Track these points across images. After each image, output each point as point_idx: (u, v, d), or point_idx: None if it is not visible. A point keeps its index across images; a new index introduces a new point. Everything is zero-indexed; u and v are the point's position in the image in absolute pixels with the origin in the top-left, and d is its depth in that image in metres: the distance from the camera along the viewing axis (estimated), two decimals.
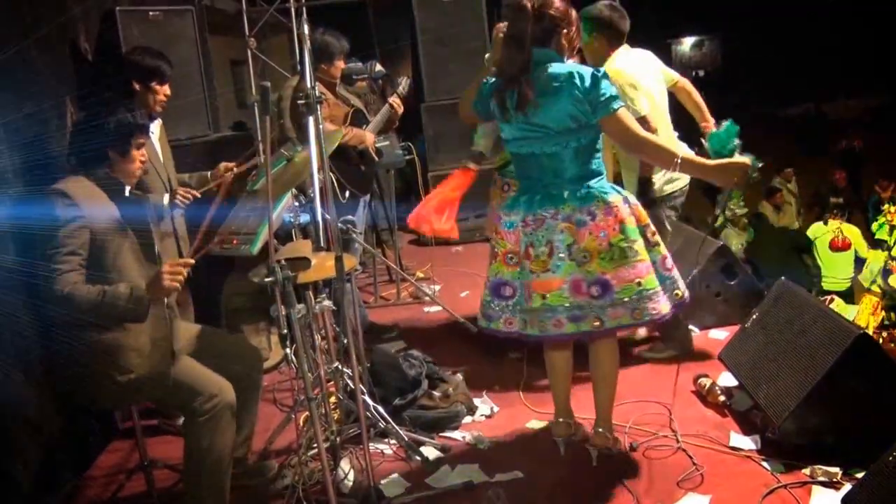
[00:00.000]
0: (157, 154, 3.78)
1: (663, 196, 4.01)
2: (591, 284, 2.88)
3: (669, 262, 3.03)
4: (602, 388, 3.23)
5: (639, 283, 2.89)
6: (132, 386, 2.81)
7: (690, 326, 4.23)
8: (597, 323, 2.89)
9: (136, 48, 3.88)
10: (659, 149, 2.93)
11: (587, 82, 2.82)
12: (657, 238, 3.02)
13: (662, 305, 2.94)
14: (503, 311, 3.04)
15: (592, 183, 2.94)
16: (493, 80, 3.02)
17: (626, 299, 2.88)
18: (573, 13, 2.96)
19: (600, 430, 3.26)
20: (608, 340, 3.15)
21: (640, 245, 2.92)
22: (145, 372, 2.80)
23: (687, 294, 3.06)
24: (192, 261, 2.80)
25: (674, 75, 4.15)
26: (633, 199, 3.01)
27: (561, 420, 3.37)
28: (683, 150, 2.96)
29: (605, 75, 2.86)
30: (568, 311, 2.89)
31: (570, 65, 2.91)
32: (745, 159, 2.84)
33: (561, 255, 2.89)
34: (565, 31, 2.93)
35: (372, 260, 5.83)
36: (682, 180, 4.02)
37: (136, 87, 3.67)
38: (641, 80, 3.78)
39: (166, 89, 3.75)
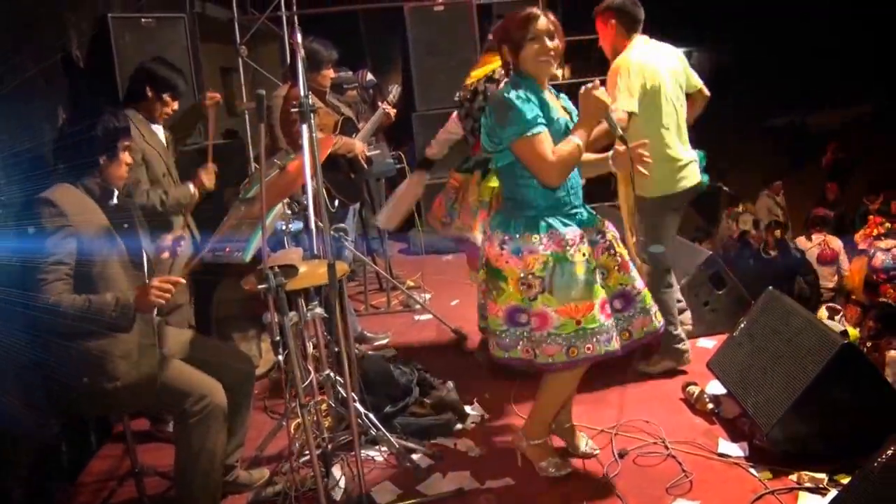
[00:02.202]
0: (171, 157, 3.91)
1: (666, 196, 3.90)
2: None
3: (525, 318, 2.94)
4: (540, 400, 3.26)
5: (491, 319, 3.04)
6: (120, 393, 2.80)
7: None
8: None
9: (157, 58, 3.98)
10: (563, 161, 2.82)
11: (488, 108, 2.98)
12: (535, 293, 2.90)
13: (497, 351, 3.04)
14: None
15: (518, 210, 2.97)
16: None
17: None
18: (512, 18, 2.93)
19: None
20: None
21: (505, 287, 2.93)
22: (133, 379, 2.80)
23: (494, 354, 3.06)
24: (182, 280, 2.82)
25: (698, 82, 4.07)
26: (530, 247, 2.90)
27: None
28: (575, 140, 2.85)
29: (501, 103, 2.86)
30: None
31: (502, 88, 2.95)
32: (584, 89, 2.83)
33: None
34: (504, 46, 2.95)
35: (362, 268, 5.84)
36: (690, 178, 3.92)
37: (149, 92, 3.76)
38: (649, 71, 3.75)
39: (175, 105, 3.86)
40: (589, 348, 2.89)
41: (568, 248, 2.88)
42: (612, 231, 3.07)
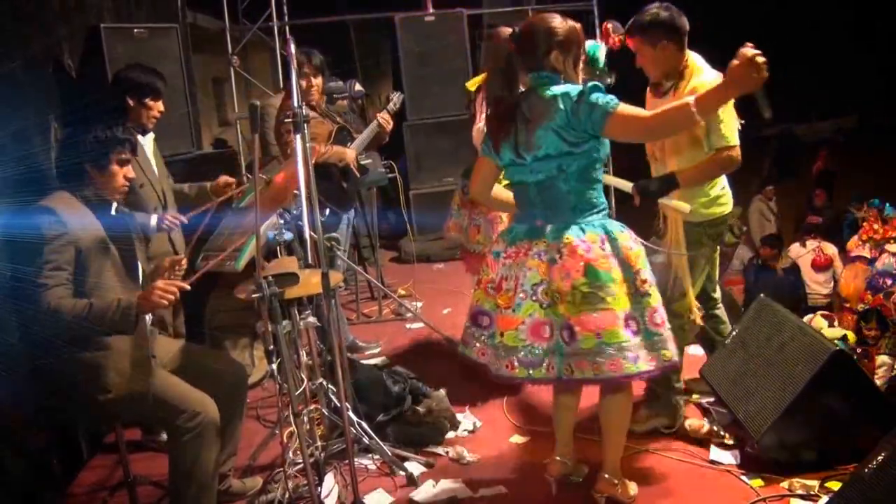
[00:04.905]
0: (153, 168, 3.84)
1: (707, 221, 3.46)
2: (560, 329, 2.72)
3: (660, 316, 2.78)
4: (608, 435, 3.04)
5: (598, 335, 2.67)
6: (112, 405, 2.81)
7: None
8: (564, 370, 2.71)
9: (131, 65, 3.93)
10: (672, 115, 2.63)
11: (574, 99, 2.68)
12: (648, 287, 2.78)
13: (627, 365, 2.67)
14: (478, 340, 2.94)
15: (584, 217, 2.79)
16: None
17: (585, 349, 2.68)
18: (566, 28, 2.79)
19: (606, 476, 3.04)
20: (617, 389, 2.96)
21: (611, 292, 2.69)
22: (125, 391, 2.79)
23: (676, 357, 2.82)
24: (188, 286, 2.80)
25: None
26: (626, 241, 2.79)
27: (558, 458, 3.16)
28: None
29: (594, 87, 2.69)
30: (521, 354, 2.75)
31: (563, 86, 2.75)
32: (745, 52, 2.49)
33: (522, 293, 2.76)
34: (556, 51, 2.78)
35: (354, 277, 5.84)
36: (729, 204, 3.53)
37: (130, 102, 3.72)
38: None
39: (160, 105, 3.81)
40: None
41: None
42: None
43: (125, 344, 2.81)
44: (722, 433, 3.49)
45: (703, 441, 3.50)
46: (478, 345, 2.93)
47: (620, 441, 3.06)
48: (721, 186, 3.49)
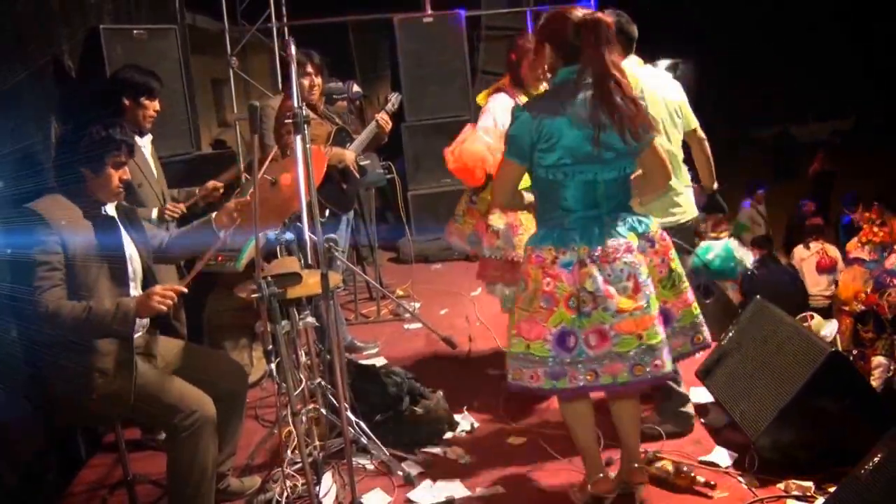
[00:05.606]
0: (151, 170, 3.86)
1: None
2: None
3: None
4: (632, 429, 3.07)
5: (694, 309, 2.87)
6: (97, 406, 2.82)
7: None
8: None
9: (127, 65, 3.95)
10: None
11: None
12: None
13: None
14: (568, 366, 2.73)
15: (632, 210, 2.85)
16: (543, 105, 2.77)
17: (686, 325, 2.85)
18: None
19: (636, 465, 3.06)
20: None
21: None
22: (108, 392, 2.79)
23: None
24: (185, 289, 2.81)
25: (693, 120, 3.67)
26: None
27: (602, 476, 3.02)
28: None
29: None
30: (665, 347, 2.74)
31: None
32: None
33: (649, 289, 2.72)
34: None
35: (352, 277, 5.86)
36: (687, 212, 3.60)
37: (126, 102, 3.74)
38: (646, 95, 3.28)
39: (156, 105, 3.82)
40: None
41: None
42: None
43: (109, 345, 2.81)
44: (698, 478, 3.16)
45: (699, 441, 3.52)
46: (569, 370, 2.74)
47: (639, 431, 3.15)
48: (677, 193, 3.52)
